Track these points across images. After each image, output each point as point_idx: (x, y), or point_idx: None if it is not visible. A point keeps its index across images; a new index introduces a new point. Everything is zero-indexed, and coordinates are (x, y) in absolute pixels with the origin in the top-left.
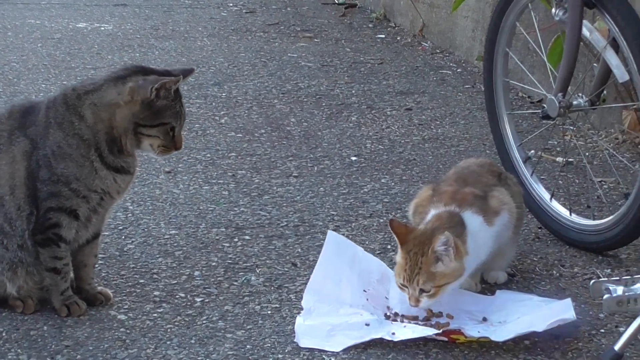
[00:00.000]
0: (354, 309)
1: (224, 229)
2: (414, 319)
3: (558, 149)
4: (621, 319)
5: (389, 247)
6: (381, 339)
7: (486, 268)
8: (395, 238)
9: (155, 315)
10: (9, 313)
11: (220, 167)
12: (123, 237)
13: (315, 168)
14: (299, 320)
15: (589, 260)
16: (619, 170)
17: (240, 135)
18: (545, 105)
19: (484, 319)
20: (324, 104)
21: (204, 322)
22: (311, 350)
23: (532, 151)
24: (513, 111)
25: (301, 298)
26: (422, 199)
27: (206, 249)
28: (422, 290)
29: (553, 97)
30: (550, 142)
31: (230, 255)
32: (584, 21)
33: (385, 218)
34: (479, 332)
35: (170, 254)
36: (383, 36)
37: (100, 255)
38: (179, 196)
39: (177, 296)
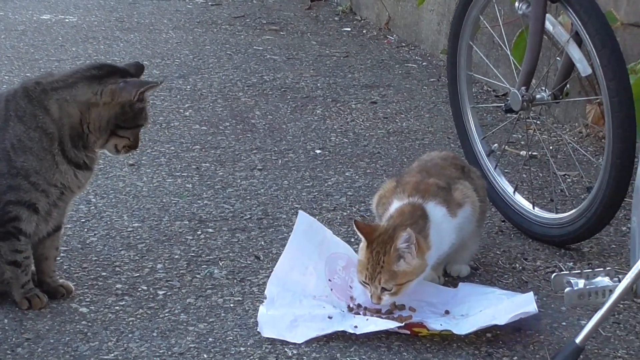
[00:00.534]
0: (317, 301)
1: (187, 222)
2: (377, 311)
3: (522, 142)
4: (583, 312)
5: (352, 240)
6: (344, 332)
7: (449, 261)
8: (363, 238)
9: (117, 308)
10: None
11: (184, 160)
12: (85, 229)
13: (280, 161)
14: (261, 310)
15: (551, 253)
16: (582, 164)
17: (205, 128)
18: (509, 99)
19: (447, 312)
20: (289, 97)
21: (166, 315)
22: (273, 343)
23: (496, 145)
24: (477, 105)
25: (264, 291)
26: (385, 190)
27: (169, 242)
28: (383, 289)
29: (516, 91)
30: (514, 135)
31: (193, 248)
32: (547, 15)
33: (349, 211)
34: (441, 325)
35: (132, 246)
36: (349, 29)
37: (62, 248)
38: (142, 189)
39: (140, 289)
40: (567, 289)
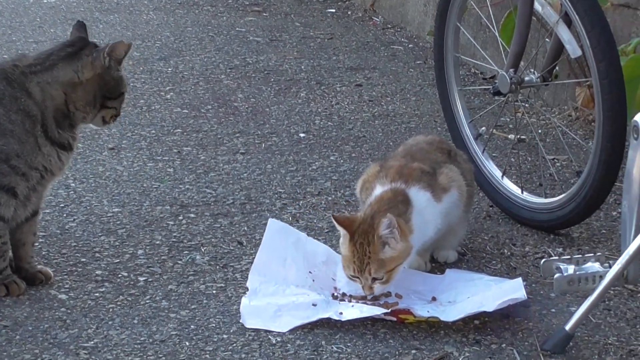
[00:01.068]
0: (300, 289)
1: (168, 207)
2: (362, 298)
3: (510, 126)
4: (572, 299)
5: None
6: (328, 319)
7: (436, 247)
8: (344, 231)
9: (97, 294)
10: None
11: (165, 144)
12: (64, 214)
13: (263, 145)
14: (244, 301)
15: (540, 239)
16: (571, 147)
17: (186, 111)
18: (496, 82)
19: (433, 299)
20: (272, 80)
21: (147, 301)
22: (257, 330)
23: (484, 128)
24: (464, 87)
25: (247, 277)
26: (369, 175)
27: (150, 227)
28: (374, 279)
29: (504, 73)
30: (502, 119)
31: (174, 234)
32: None
33: (333, 196)
34: (428, 311)
35: (113, 232)
36: (333, 10)
37: (41, 234)
38: (123, 173)
39: (120, 275)
40: (556, 275)
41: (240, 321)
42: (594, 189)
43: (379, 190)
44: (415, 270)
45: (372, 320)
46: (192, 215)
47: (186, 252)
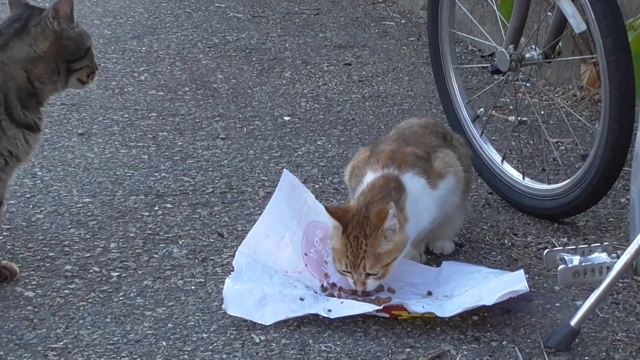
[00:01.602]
0: (288, 278)
1: (143, 197)
2: (353, 292)
3: (510, 107)
4: (578, 292)
5: None
6: (316, 316)
7: (432, 237)
8: (336, 224)
9: (67, 291)
10: None
11: (140, 129)
12: (31, 205)
13: (245, 129)
14: (227, 283)
15: (543, 228)
16: (576, 130)
17: (162, 93)
18: (495, 59)
19: (429, 293)
20: (254, 59)
21: (121, 298)
22: (239, 328)
23: (482, 109)
24: (461, 66)
25: (228, 272)
26: (359, 160)
27: (123, 219)
28: (368, 274)
29: (504, 50)
30: (501, 99)
31: (150, 225)
32: None
33: (321, 183)
34: (423, 307)
35: (83, 224)
36: None
37: (5, 226)
38: (94, 160)
39: (91, 270)
40: (560, 267)
41: (222, 306)
42: (601, 174)
43: (370, 177)
44: (410, 261)
45: (363, 317)
46: (169, 205)
47: (162, 245)
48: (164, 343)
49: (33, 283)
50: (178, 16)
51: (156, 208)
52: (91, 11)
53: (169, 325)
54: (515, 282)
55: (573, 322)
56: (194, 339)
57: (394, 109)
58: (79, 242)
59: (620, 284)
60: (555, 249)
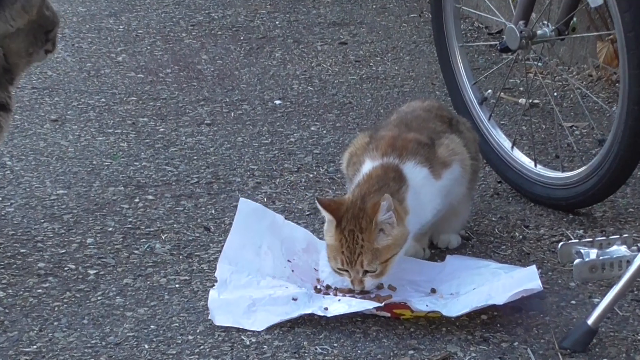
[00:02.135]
0: (277, 281)
1: (122, 188)
2: (350, 291)
3: (521, 88)
4: (595, 288)
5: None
6: (311, 316)
7: (436, 230)
8: (330, 217)
9: (40, 291)
10: None
11: (118, 114)
12: (0, 198)
13: (232, 114)
14: (212, 294)
15: (557, 219)
16: (592, 112)
17: (142, 75)
18: (504, 36)
19: (433, 291)
20: (241, 38)
21: (99, 298)
22: (227, 330)
23: (490, 91)
24: (467, 44)
25: (215, 267)
26: (357, 147)
27: (101, 212)
28: (366, 272)
29: (513, 26)
30: (511, 80)
31: (130, 219)
32: None
33: (315, 172)
34: (427, 305)
35: (57, 218)
36: None
37: None
38: (68, 149)
39: (67, 268)
40: (576, 261)
41: (209, 318)
42: (620, 160)
43: (368, 165)
44: (411, 258)
45: (362, 317)
46: (150, 197)
47: (144, 240)
48: (146, 346)
49: (3, 282)
50: None
51: (136, 200)
52: None
53: (152, 326)
54: (527, 279)
55: (590, 321)
56: (179, 341)
57: (394, 92)
58: (53, 237)
59: None
60: (570, 241)
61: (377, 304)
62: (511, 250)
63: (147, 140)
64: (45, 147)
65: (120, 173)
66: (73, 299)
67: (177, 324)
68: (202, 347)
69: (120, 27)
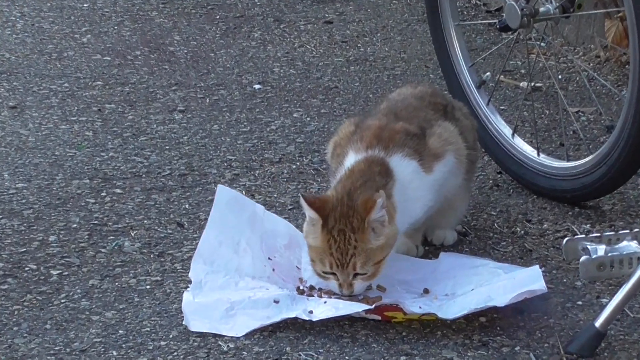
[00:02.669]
0: (257, 282)
1: (87, 181)
2: (336, 293)
3: (522, 70)
4: (603, 288)
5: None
6: (295, 320)
7: (430, 226)
8: (315, 216)
9: None
10: None
11: (83, 100)
12: None
13: (207, 100)
14: (187, 297)
15: (562, 213)
16: (600, 97)
17: (109, 58)
18: (504, 14)
19: (426, 291)
20: (217, 17)
21: (63, 301)
22: (203, 335)
23: (488, 74)
24: (463, 22)
25: (189, 268)
26: (341, 136)
27: (64, 207)
28: (356, 274)
29: (513, 3)
30: (511, 62)
31: (96, 215)
32: None
33: (298, 163)
34: (420, 307)
35: (16, 213)
36: None
37: None
38: (28, 138)
39: (27, 268)
40: (583, 258)
41: (183, 323)
42: (630, 149)
43: (351, 158)
44: (402, 256)
45: (351, 320)
46: (118, 190)
47: (111, 237)
48: (114, 353)
49: None
50: None
51: (103, 194)
52: None
53: (120, 331)
54: (530, 280)
55: (598, 324)
56: (150, 347)
57: (384, 75)
58: (12, 234)
59: None
60: (576, 237)
61: (366, 306)
62: (512, 246)
63: (114, 129)
64: (2, 137)
65: (86, 164)
66: (34, 302)
67: (148, 329)
68: (175, 353)
69: (85, 5)
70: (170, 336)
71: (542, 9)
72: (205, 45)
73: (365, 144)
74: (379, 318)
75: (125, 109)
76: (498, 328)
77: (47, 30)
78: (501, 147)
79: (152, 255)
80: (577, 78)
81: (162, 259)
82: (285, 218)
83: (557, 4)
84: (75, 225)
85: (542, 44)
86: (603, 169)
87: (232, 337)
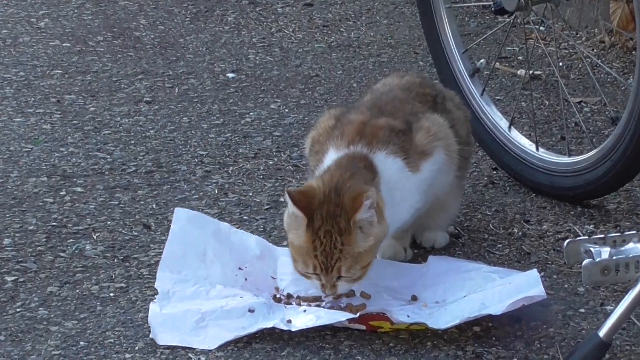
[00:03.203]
0: (230, 289)
1: (45, 179)
2: (316, 300)
3: (519, 57)
4: (608, 294)
5: (281, 199)
6: (272, 330)
7: (420, 227)
8: (299, 214)
9: None
10: None
11: (40, 91)
12: None
13: (176, 90)
14: (153, 308)
15: (563, 213)
16: (604, 86)
17: (68, 44)
18: None
19: (414, 298)
20: None
21: (18, 310)
22: (172, 347)
23: (482, 61)
24: (455, 4)
25: (155, 274)
26: (320, 131)
27: (20, 207)
28: (340, 277)
29: None
30: (508, 48)
31: (54, 215)
32: None
33: (276, 159)
34: (408, 316)
35: None
36: None
37: None
38: None
39: None
40: (585, 261)
41: (150, 335)
42: (637, 142)
43: (332, 155)
44: (387, 261)
45: (333, 330)
46: (79, 189)
47: (72, 240)
48: None
49: None
50: None
51: (62, 193)
52: None
53: (82, 343)
54: (528, 285)
55: (602, 333)
56: None
57: (369, 62)
58: None
59: None
60: (578, 239)
61: (350, 315)
62: (509, 249)
63: (74, 122)
64: None
65: (43, 161)
66: None
67: (112, 340)
68: None
69: None
70: (136, 348)
71: None
72: (174, 30)
73: (346, 140)
74: (364, 328)
75: (86, 100)
76: (493, 338)
77: (0, 14)
78: (497, 141)
79: (116, 260)
80: (580, 65)
81: (127, 264)
82: (261, 218)
83: None
84: (31, 227)
85: (541, 28)
86: (607, 165)
87: (203, 349)
